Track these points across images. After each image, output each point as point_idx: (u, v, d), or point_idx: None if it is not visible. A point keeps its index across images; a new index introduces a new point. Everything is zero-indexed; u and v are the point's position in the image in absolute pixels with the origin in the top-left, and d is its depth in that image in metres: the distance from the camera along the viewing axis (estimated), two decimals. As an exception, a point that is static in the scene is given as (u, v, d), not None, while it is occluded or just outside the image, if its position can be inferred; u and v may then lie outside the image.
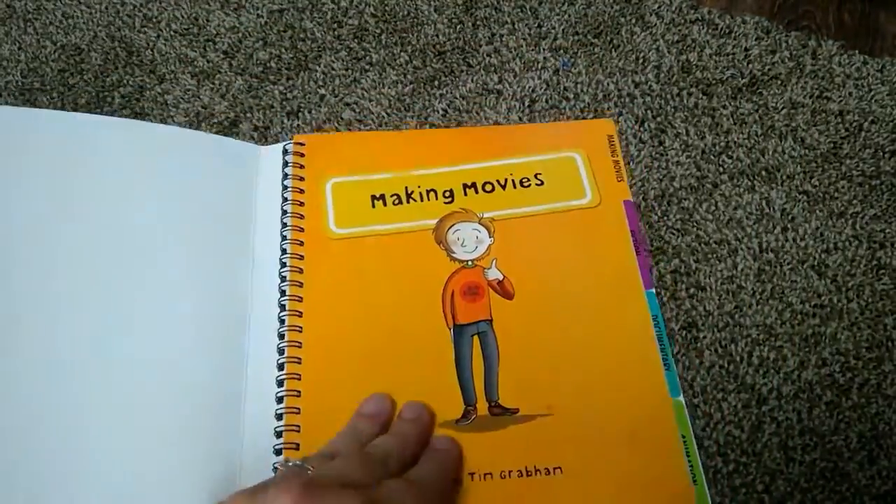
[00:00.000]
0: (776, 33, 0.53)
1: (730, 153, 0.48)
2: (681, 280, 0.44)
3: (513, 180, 0.46)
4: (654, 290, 0.43)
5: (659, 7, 0.54)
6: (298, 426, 0.38)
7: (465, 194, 0.46)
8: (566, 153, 0.47)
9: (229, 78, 0.51)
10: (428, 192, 0.46)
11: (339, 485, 0.30)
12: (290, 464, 0.33)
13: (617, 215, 0.45)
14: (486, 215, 0.45)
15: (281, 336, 0.41)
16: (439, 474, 0.35)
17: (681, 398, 0.40)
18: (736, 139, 0.49)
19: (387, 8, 0.55)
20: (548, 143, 0.48)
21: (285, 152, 0.47)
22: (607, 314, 0.42)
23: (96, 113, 0.49)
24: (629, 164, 0.48)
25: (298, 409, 0.39)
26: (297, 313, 0.41)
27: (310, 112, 0.50)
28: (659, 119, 0.50)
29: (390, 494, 0.31)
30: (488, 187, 0.46)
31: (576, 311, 0.42)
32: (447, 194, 0.46)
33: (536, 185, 0.46)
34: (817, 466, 0.38)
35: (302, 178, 0.46)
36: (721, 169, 0.48)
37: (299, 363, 0.40)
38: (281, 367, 0.40)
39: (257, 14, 0.54)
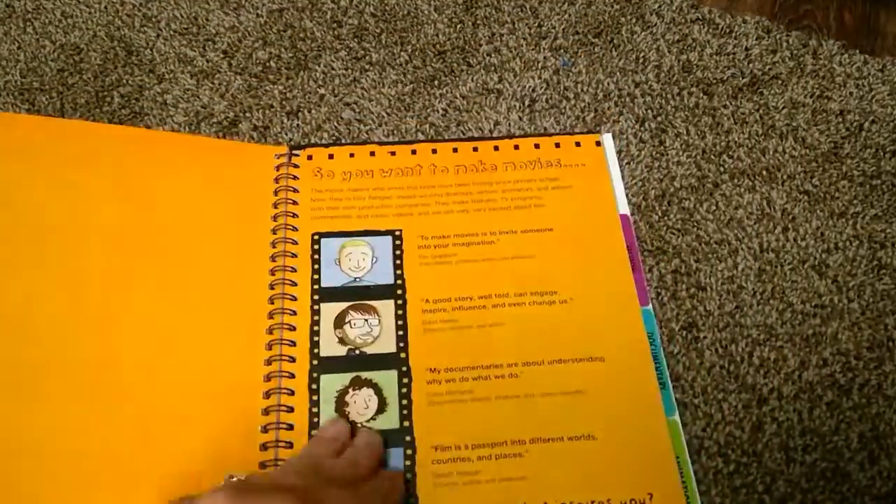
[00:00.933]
0: (777, 33, 0.53)
1: (730, 153, 0.48)
2: (681, 280, 0.44)
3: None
4: (650, 308, 0.43)
5: (659, 7, 0.54)
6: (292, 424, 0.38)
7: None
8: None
9: (229, 77, 0.51)
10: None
11: (271, 488, 0.31)
12: (233, 479, 0.35)
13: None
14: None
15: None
16: (386, 494, 0.35)
17: (676, 417, 0.39)
18: (736, 139, 0.49)
19: (387, 7, 0.55)
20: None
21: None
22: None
23: (95, 113, 0.49)
24: (629, 163, 0.48)
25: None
26: (292, 312, 0.42)
27: (309, 112, 0.50)
28: (659, 119, 0.49)
29: (329, 498, 0.31)
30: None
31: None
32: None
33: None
34: (818, 467, 0.38)
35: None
36: (721, 169, 0.47)
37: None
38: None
39: (257, 13, 0.54)
